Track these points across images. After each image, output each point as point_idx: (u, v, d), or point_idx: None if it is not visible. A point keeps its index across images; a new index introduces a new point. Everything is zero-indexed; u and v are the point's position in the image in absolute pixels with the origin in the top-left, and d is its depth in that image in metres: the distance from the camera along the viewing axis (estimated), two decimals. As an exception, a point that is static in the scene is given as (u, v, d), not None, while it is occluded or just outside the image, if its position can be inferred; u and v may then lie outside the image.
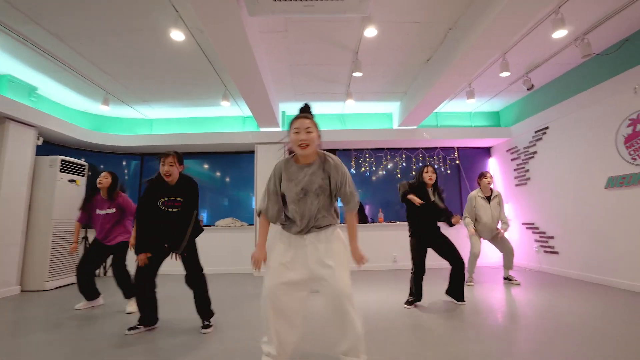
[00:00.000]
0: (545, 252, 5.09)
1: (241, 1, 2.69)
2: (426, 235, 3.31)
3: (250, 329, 2.64)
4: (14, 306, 3.57)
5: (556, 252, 4.88)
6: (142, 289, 2.64)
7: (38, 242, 4.43)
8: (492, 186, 4.43)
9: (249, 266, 5.68)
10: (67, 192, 4.79)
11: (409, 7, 3.21)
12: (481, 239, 4.34)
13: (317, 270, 1.78)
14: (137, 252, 2.54)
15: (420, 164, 6.39)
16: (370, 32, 3.27)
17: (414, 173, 6.33)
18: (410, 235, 3.37)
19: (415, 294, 3.29)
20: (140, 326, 2.65)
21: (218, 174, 6.63)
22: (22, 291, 4.28)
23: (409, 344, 2.28)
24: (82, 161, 5.14)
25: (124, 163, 6.35)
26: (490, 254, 5.57)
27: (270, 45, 3.86)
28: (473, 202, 4.32)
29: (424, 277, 3.28)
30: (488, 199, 4.32)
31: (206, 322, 2.68)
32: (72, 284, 4.75)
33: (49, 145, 5.31)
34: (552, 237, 4.97)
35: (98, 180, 3.36)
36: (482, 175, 4.36)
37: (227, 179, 6.61)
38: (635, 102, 3.65)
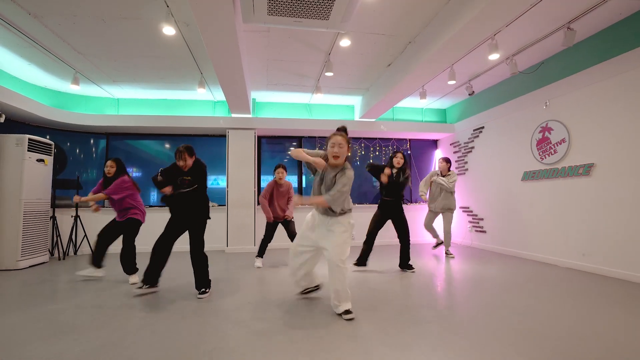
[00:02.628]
0: (477, 231, 6.14)
1: (237, 8, 3.03)
2: (388, 209, 4.14)
3: (236, 296, 3.15)
4: (-6, 282, 3.69)
5: (484, 231, 5.93)
6: (160, 250, 3.08)
7: (8, 222, 4.44)
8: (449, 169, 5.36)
9: (220, 244, 6.08)
10: (36, 172, 4.77)
11: (378, 21, 3.74)
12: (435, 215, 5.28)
13: (320, 242, 2.61)
14: (161, 187, 3.08)
15: (377, 153, 7.15)
16: (345, 42, 3.77)
17: (371, 161, 7.08)
18: (378, 207, 4.28)
19: (361, 257, 4.19)
20: (146, 285, 3.11)
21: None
22: (-7, 269, 4.32)
23: (365, 300, 2.96)
24: (48, 140, 5.08)
25: (92, 142, 6.28)
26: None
27: (251, 42, 4.19)
28: (430, 177, 5.32)
29: (371, 247, 4.20)
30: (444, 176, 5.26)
31: (202, 289, 3.13)
32: (44, 262, 4.83)
33: (10, 123, 5.15)
34: (482, 219, 6.01)
35: (107, 171, 3.65)
36: (446, 160, 5.30)
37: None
38: (545, 113, 4.61)
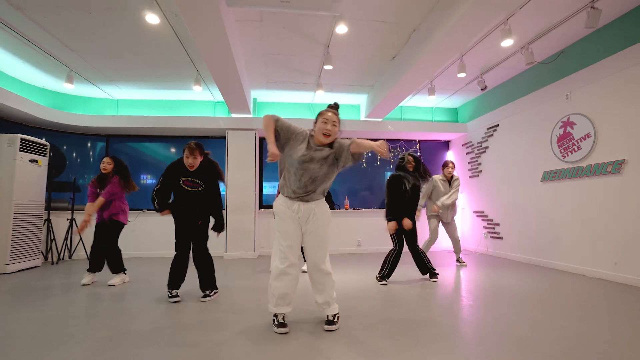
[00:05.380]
0: (492, 237, 5.68)
1: (220, -8, 2.79)
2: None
3: (232, 298, 2.86)
4: (-25, 287, 3.51)
5: (501, 237, 5.47)
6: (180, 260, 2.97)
7: (-3, 224, 4.30)
8: (454, 173, 4.81)
9: (219, 249, 5.80)
10: (28, 173, 4.64)
11: (377, 7, 3.45)
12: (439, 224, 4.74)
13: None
14: (160, 210, 2.94)
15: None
16: (341, 29, 3.49)
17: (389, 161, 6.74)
18: (389, 220, 3.58)
19: (388, 272, 3.61)
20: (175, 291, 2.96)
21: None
22: (-19, 273, 4.16)
23: (376, 308, 2.61)
24: (43, 141, 4.97)
25: (89, 144, 6.17)
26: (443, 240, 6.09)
27: (244, 34, 3.96)
28: (432, 183, 4.69)
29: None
30: (449, 182, 4.74)
31: (207, 292, 2.95)
32: (35, 267, 4.67)
33: (5, 123, 5.08)
34: (498, 224, 5.55)
35: (102, 167, 3.58)
36: (445, 165, 4.76)
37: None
38: (567, 106, 4.18)
